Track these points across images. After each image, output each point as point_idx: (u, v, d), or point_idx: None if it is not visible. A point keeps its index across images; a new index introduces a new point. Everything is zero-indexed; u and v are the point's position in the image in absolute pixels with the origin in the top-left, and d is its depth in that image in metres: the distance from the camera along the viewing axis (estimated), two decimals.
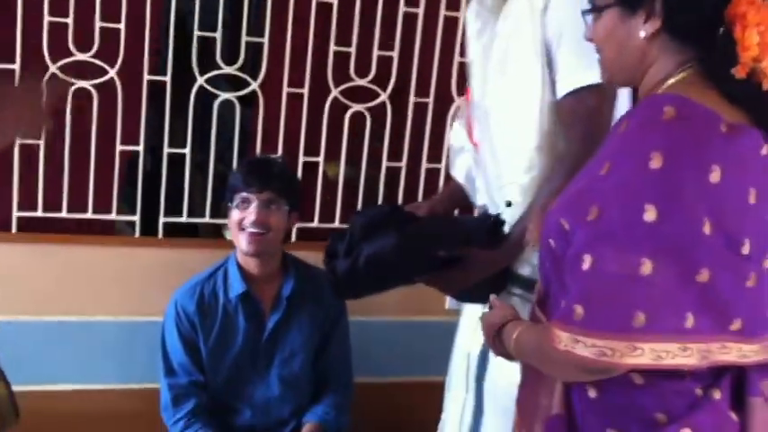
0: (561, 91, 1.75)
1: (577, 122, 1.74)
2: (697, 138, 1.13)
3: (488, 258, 1.77)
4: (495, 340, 1.42)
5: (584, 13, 1.35)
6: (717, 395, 1.21)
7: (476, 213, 2.14)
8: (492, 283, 1.78)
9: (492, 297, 1.56)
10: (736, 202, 1.14)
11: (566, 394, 1.29)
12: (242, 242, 2.24)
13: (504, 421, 1.90)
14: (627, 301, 1.10)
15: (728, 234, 1.13)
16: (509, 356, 1.44)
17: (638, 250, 1.10)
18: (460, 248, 1.80)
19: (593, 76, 1.68)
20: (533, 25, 1.75)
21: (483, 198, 2.07)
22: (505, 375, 1.90)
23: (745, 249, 1.15)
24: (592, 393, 1.25)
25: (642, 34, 1.24)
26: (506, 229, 1.83)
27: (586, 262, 1.13)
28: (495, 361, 1.97)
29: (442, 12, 2.84)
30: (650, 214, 1.09)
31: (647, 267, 1.09)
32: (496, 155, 1.88)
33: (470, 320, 2.10)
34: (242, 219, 2.23)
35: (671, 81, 1.23)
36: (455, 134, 2.19)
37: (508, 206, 1.83)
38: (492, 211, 1.97)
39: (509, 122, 1.82)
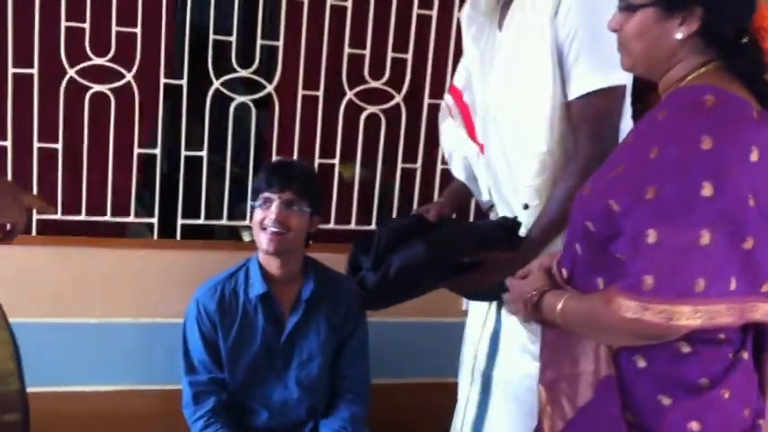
0: (572, 94, 1.79)
1: (585, 123, 1.78)
2: (737, 122, 1.27)
3: (508, 260, 1.81)
4: (532, 310, 1.52)
5: (620, 7, 1.42)
6: (745, 355, 1.38)
7: (490, 215, 2.17)
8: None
9: (534, 263, 1.62)
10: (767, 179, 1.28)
11: (613, 358, 1.40)
12: (263, 241, 2.27)
13: (515, 410, 1.93)
14: (690, 269, 1.24)
15: (762, 206, 1.27)
16: (547, 324, 1.53)
17: (698, 223, 1.23)
18: (482, 252, 1.84)
19: (603, 80, 1.75)
20: (542, 29, 1.78)
21: (488, 196, 2.09)
22: (515, 366, 1.93)
23: None
24: (641, 363, 1.38)
25: (679, 36, 1.35)
26: (523, 231, 1.86)
27: (651, 236, 1.25)
28: (505, 353, 2.00)
29: (456, 13, 2.84)
30: (707, 190, 1.22)
31: (705, 238, 1.23)
32: (508, 158, 1.90)
33: (477, 317, 2.13)
34: (263, 218, 2.25)
35: (693, 75, 1.36)
36: (448, 134, 2.21)
37: (525, 209, 1.86)
38: (501, 208, 2.00)
39: (520, 127, 1.85)
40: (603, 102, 1.77)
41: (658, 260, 1.25)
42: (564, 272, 1.51)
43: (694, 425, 1.34)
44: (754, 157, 1.25)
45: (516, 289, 1.58)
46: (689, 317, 1.25)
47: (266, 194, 2.27)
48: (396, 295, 1.91)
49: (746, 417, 1.38)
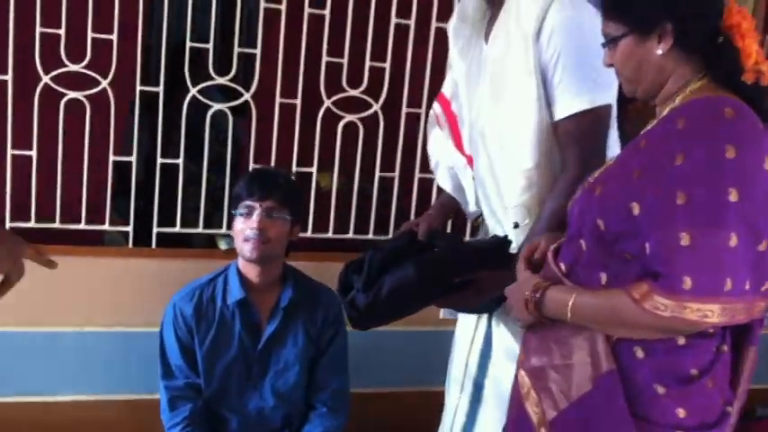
0: (557, 115, 1.80)
1: (571, 143, 1.80)
2: (755, 133, 1.37)
3: (498, 278, 1.81)
4: (534, 308, 1.55)
5: (604, 45, 1.54)
6: (725, 348, 1.48)
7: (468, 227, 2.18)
8: (497, 297, 1.82)
9: (521, 271, 1.63)
10: None
11: (612, 348, 1.47)
12: (244, 249, 2.26)
13: (504, 418, 1.94)
14: (721, 270, 1.32)
15: None
16: (550, 321, 1.54)
17: (728, 226, 1.31)
18: (473, 272, 1.85)
19: (587, 101, 1.77)
20: (526, 49, 1.78)
21: (475, 207, 2.10)
22: (506, 375, 1.94)
23: None
24: (639, 354, 1.45)
25: (660, 52, 1.46)
26: (514, 248, 1.88)
27: (684, 239, 1.32)
28: (496, 362, 2.01)
29: (434, 23, 2.86)
30: (733, 195, 1.31)
31: (733, 240, 1.31)
32: (495, 173, 1.91)
33: (467, 326, 2.13)
34: (244, 226, 2.25)
35: (692, 87, 1.45)
36: (435, 145, 2.21)
37: (516, 227, 1.88)
38: (490, 221, 2.02)
39: (507, 143, 1.86)
40: (589, 122, 1.79)
41: (695, 261, 1.32)
42: (563, 266, 1.55)
43: (681, 411, 1.44)
44: (766, 165, 1.35)
45: (515, 293, 1.62)
46: (718, 314, 1.33)
47: (247, 203, 2.26)
48: (387, 316, 1.94)
49: (720, 404, 1.48)
